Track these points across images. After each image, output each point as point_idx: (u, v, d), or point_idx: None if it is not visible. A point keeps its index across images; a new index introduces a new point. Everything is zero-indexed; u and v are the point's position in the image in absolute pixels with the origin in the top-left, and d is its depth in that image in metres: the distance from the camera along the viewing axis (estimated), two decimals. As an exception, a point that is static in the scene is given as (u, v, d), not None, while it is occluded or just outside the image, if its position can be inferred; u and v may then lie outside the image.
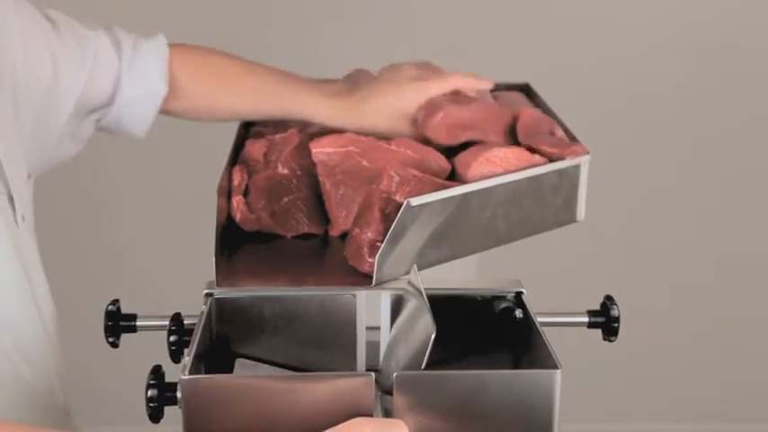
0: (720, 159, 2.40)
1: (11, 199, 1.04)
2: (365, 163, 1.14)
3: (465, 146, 1.18)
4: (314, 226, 1.16)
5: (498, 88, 1.43)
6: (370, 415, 0.87)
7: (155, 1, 2.21)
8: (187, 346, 0.97)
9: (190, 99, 1.25)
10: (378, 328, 1.03)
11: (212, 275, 1.04)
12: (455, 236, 1.08)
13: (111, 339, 1.10)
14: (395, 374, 0.88)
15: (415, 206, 1.03)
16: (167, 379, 0.91)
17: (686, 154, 2.39)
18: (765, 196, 2.43)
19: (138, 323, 1.10)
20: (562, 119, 1.29)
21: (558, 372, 0.89)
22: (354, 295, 1.02)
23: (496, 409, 0.89)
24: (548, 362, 0.92)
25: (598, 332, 1.11)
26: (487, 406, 0.89)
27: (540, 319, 1.01)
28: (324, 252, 1.14)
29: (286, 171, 1.17)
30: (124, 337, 1.11)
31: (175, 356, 1.03)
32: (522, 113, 1.23)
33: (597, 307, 1.11)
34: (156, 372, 0.91)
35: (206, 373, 0.96)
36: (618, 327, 1.09)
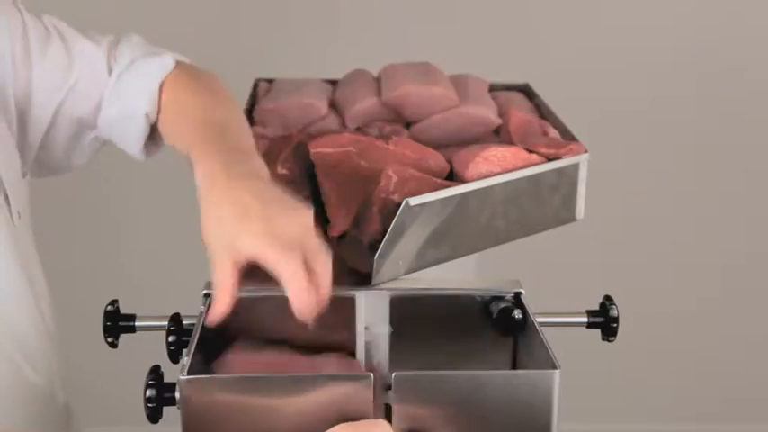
0: (721, 159, 2.40)
1: (6, 197, 1.04)
2: (364, 163, 1.14)
3: None
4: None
5: (498, 88, 1.44)
6: (370, 416, 0.87)
7: (154, 2, 2.21)
8: (186, 347, 0.97)
9: (161, 127, 1.15)
10: (377, 328, 1.03)
11: (211, 276, 1.03)
12: (454, 235, 1.08)
13: (109, 339, 1.10)
14: (394, 374, 0.88)
15: (414, 206, 1.03)
16: (166, 379, 0.91)
17: (686, 154, 2.39)
18: (765, 195, 2.43)
19: (136, 323, 1.10)
20: (562, 119, 1.29)
21: (557, 372, 0.89)
22: (354, 295, 1.02)
23: (495, 409, 0.89)
24: (547, 362, 0.92)
25: (597, 332, 1.11)
26: (486, 406, 0.89)
27: (539, 320, 1.01)
28: (323, 252, 1.13)
29: (285, 171, 1.17)
30: (123, 337, 1.11)
31: (174, 357, 1.03)
32: (512, 116, 1.23)
33: (596, 307, 1.11)
34: (155, 372, 0.91)
35: (205, 373, 0.96)
36: (617, 327, 1.09)
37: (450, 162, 1.17)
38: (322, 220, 1.17)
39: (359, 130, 1.30)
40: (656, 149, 2.38)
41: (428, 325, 1.06)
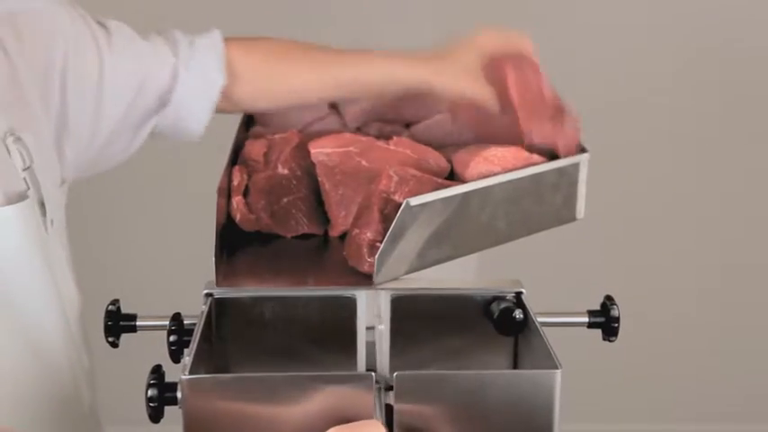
0: (721, 159, 2.40)
1: (42, 204, 1.04)
2: (364, 163, 1.14)
3: None
4: (313, 226, 1.16)
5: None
6: (371, 416, 0.87)
7: (154, 2, 2.21)
8: (187, 346, 0.97)
9: (249, 84, 1.23)
10: (378, 328, 1.03)
11: (212, 275, 1.04)
12: (455, 235, 1.08)
13: (111, 339, 1.10)
14: (395, 374, 0.88)
15: (415, 206, 1.03)
16: (167, 379, 0.91)
17: (686, 153, 2.39)
18: (766, 195, 2.43)
19: (138, 323, 1.10)
20: (562, 119, 1.29)
21: (558, 372, 0.89)
22: (354, 295, 1.02)
23: (496, 410, 0.89)
24: (548, 362, 0.92)
25: (598, 332, 1.11)
26: (487, 406, 0.89)
27: (539, 320, 1.01)
28: (323, 252, 1.14)
29: (286, 171, 1.17)
30: (124, 336, 1.11)
31: (175, 356, 1.03)
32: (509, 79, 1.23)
33: (597, 307, 1.11)
34: (157, 372, 0.91)
35: (206, 373, 0.96)
36: (618, 327, 1.09)
37: (450, 162, 1.17)
38: (322, 220, 1.17)
39: (359, 130, 1.30)
40: (656, 149, 2.38)
41: (429, 325, 1.06)
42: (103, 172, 1.24)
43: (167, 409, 0.90)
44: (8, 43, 1.06)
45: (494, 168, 1.12)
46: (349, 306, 1.02)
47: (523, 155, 1.14)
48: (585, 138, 1.21)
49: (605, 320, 1.10)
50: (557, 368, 0.90)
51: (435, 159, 1.15)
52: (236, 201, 1.14)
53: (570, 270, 2.37)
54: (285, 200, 1.15)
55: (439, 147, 1.28)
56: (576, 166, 1.18)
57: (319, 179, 1.15)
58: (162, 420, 0.91)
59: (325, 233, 1.16)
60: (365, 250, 1.05)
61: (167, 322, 1.05)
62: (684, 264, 2.46)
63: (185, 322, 1.05)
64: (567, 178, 1.17)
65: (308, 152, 1.16)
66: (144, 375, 0.91)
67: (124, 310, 1.11)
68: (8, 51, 1.06)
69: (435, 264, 1.08)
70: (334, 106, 1.35)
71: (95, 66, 1.13)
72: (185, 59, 1.20)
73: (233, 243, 1.12)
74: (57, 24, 1.11)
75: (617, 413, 2.54)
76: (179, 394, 0.88)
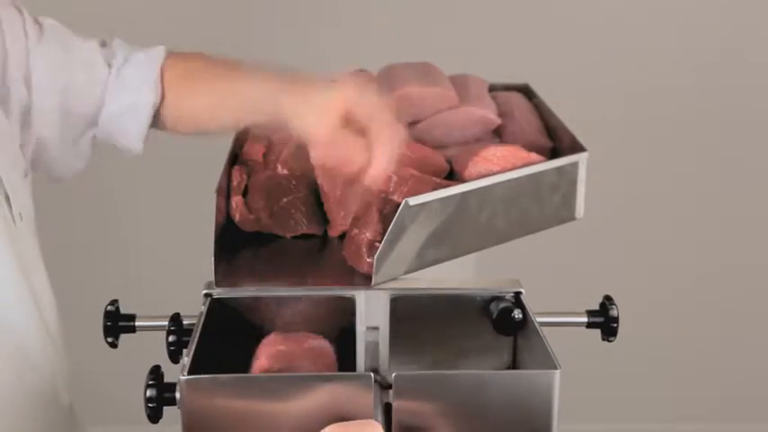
0: (721, 159, 2.40)
1: (7, 198, 1.04)
2: None
3: None
4: (313, 226, 1.15)
5: (498, 88, 1.44)
6: (370, 416, 0.87)
7: (154, 2, 2.21)
8: (186, 347, 0.97)
9: (174, 109, 1.18)
10: (377, 329, 1.03)
11: (211, 276, 1.04)
12: (454, 235, 1.08)
13: (109, 339, 1.10)
14: (394, 374, 0.88)
15: (414, 206, 1.03)
16: (166, 379, 0.91)
17: (686, 153, 2.39)
18: (765, 195, 2.43)
19: (136, 323, 1.10)
20: (562, 119, 1.29)
21: (557, 372, 0.89)
22: (353, 295, 1.02)
23: (495, 410, 0.89)
24: (546, 362, 0.92)
25: (597, 332, 1.11)
26: (486, 406, 0.89)
27: (538, 320, 1.01)
28: (323, 252, 1.14)
29: (285, 171, 1.17)
30: (123, 337, 1.11)
31: (174, 357, 1.03)
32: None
33: (596, 307, 1.11)
34: (155, 372, 0.91)
35: (205, 373, 0.96)
36: (617, 327, 1.09)
37: (449, 162, 1.17)
38: (321, 221, 1.17)
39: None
40: (656, 149, 2.38)
41: (428, 325, 1.06)
42: (68, 179, 1.22)
43: (166, 409, 0.90)
44: None
45: (492, 168, 1.12)
46: (348, 306, 1.02)
47: (522, 154, 1.14)
48: (585, 139, 1.21)
49: (604, 320, 1.09)
50: (555, 368, 0.90)
51: (434, 159, 1.15)
52: (236, 201, 1.14)
53: (569, 270, 2.37)
54: (284, 200, 1.15)
55: (439, 147, 1.28)
56: (575, 166, 1.18)
57: (318, 180, 1.15)
58: (161, 421, 0.91)
59: (325, 233, 1.16)
60: (364, 250, 1.05)
61: (166, 323, 1.05)
62: (684, 264, 2.46)
63: (184, 322, 1.05)
64: (566, 178, 1.17)
65: (308, 153, 1.16)
66: (143, 376, 0.91)
67: (123, 310, 1.10)
68: None
69: (434, 264, 1.08)
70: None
71: (24, 57, 1.11)
72: (117, 74, 1.17)
73: (232, 243, 1.12)
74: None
75: (616, 413, 2.54)
76: (178, 395, 0.88)
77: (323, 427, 0.85)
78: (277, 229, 1.15)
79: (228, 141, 1.26)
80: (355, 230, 1.07)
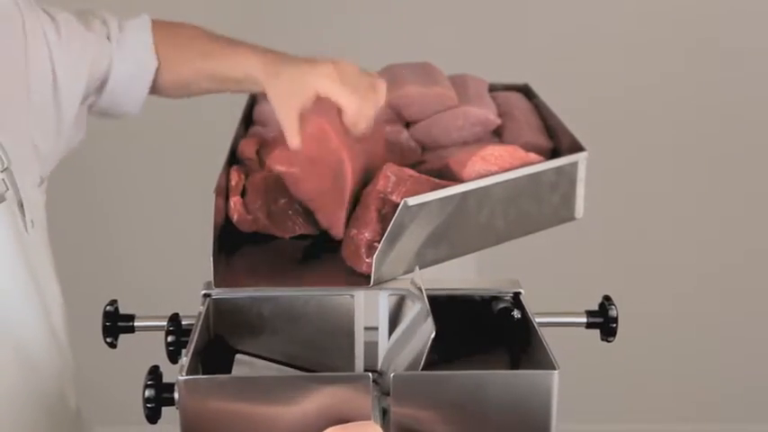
0: (721, 158, 2.39)
1: (20, 205, 1.04)
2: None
3: None
4: (310, 227, 1.15)
5: (498, 88, 1.44)
6: (368, 417, 0.87)
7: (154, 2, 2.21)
8: (185, 347, 0.97)
9: (165, 72, 1.24)
10: (376, 329, 1.03)
11: (210, 276, 1.04)
12: (453, 235, 1.08)
13: (109, 340, 1.10)
14: (392, 375, 0.88)
15: (412, 206, 1.03)
16: (165, 379, 0.90)
17: (686, 153, 2.38)
18: (765, 194, 2.43)
19: (135, 323, 1.10)
20: (562, 119, 1.29)
21: (556, 372, 0.89)
22: (352, 296, 1.02)
23: (494, 410, 0.89)
24: (545, 362, 0.92)
25: (596, 332, 1.11)
26: (485, 406, 0.89)
27: (538, 320, 1.00)
28: (322, 252, 1.13)
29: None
30: (122, 337, 1.11)
31: (173, 357, 1.03)
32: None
33: (595, 307, 1.11)
34: (154, 372, 0.91)
35: (203, 373, 0.96)
36: (616, 327, 1.09)
37: (447, 161, 1.17)
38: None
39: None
40: (656, 149, 2.38)
41: (427, 325, 1.05)
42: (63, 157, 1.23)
43: (165, 409, 0.90)
44: None
45: (491, 168, 1.11)
46: (347, 306, 1.02)
47: (520, 154, 1.14)
48: (585, 139, 1.21)
49: (603, 321, 1.09)
50: (554, 368, 0.89)
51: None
52: (234, 201, 1.14)
53: (568, 270, 2.37)
54: (282, 200, 1.14)
55: (439, 147, 1.28)
56: (574, 166, 1.18)
57: (290, 189, 1.14)
58: (159, 421, 0.91)
59: (323, 233, 1.16)
60: (363, 251, 1.05)
61: (165, 323, 1.05)
62: (683, 264, 2.46)
63: (183, 323, 1.05)
64: (566, 178, 1.17)
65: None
66: (141, 376, 0.91)
67: (122, 310, 1.10)
68: None
69: (433, 264, 1.08)
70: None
71: (47, 59, 1.12)
72: (117, 44, 1.21)
73: (231, 243, 1.12)
74: (16, 21, 1.10)
75: (615, 413, 2.54)
76: (176, 395, 0.88)
77: (321, 427, 0.85)
78: (275, 229, 1.14)
79: (228, 141, 1.26)
80: (354, 230, 1.07)
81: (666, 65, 2.32)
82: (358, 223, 1.07)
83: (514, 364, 1.06)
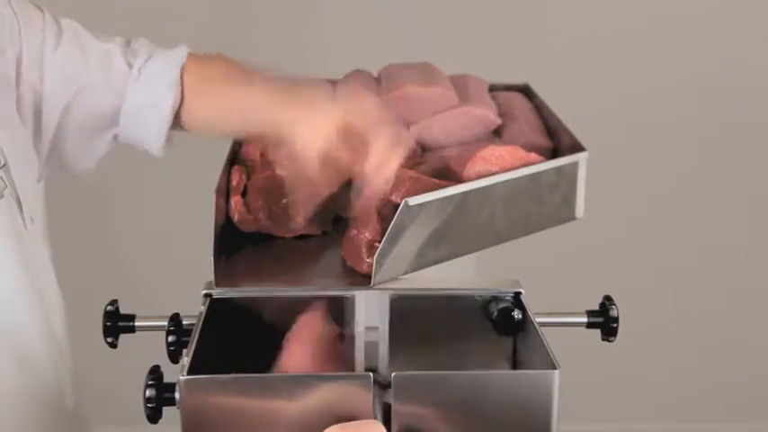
0: (721, 159, 2.40)
1: (18, 202, 1.04)
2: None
3: None
4: (311, 227, 1.15)
5: (498, 88, 1.44)
6: (369, 416, 0.87)
7: (154, 3, 2.21)
8: (186, 347, 0.97)
9: (191, 111, 1.18)
10: (376, 329, 1.03)
11: (211, 276, 1.04)
12: (453, 235, 1.08)
13: (109, 340, 1.10)
14: (393, 374, 0.88)
15: (413, 206, 1.03)
16: (166, 379, 0.91)
17: (686, 153, 2.39)
18: (765, 194, 2.43)
19: (136, 323, 1.10)
20: (562, 119, 1.29)
21: (557, 372, 0.89)
22: (353, 296, 1.02)
23: (495, 410, 0.89)
24: (546, 362, 0.92)
25: (597, 332, 1.11)
26: (486, 406, 0.89)
27: (538, 320, 1.00)
28: (322, 252, 1.13)
29: (285, 171, 1.17)
30: (123, 337, 1.11)
31: (174, 357, 1.03)
32: None
33: (596, 307, 1.11)
34: (155, 372, 0.91)
35: (204, 373, 0.96)
36: (617, 327, 1.09)
37: (446, 161, 1.17)
38: (320, 221, 1.17)
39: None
40: (656, 149, 2.38)
41: (428, 325, 1.06)
42: (79, 175, 1.22)
43: (165, 409, 0.90)
44: None
45: (491, 168, 1.11)
46: (348, 306, 1.02)
47: (521, 154, 1.14)
48: (585, 139, 1.21)
49: (604, 320, 1.09)
50: (555, 368, 0.90)
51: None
52: (235, 201, 1.14)
53: (569, 270, 2.37)
54: (284, 200, 1.15)
55: (439, 147, 1.28)
56: (574, 166, 1.18)
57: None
58: (160, 421, 0.91)
59: (324, 234, 1.16)
60: (364, 250, 1.05)
61: (166, 323, 1.05)
62: (684, 264, 2.46)
63: (184, 323, 1.05)
64: (566, 178, 1.17)
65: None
66: (142, 376, 0.91)
67: (123, 310, 1.10)
68: None
69: (434, 264, 1.08)
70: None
71: (38, 59, 1.11)
72: (137, 74, 1.16)
73: (232, 243, 1.12)
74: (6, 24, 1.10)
75: (615, 413, 2.54)
76: (177, 395, 0.88)
77: (322, 426, 0.85)
78: (276, 229, 1.15)
79: (228, 141, 1.26)
80: (354, 231, 1.07)
81: (667, 65, 2.32)
82: (358, 223, 1.07)
83: (515, 364, 1.06)
